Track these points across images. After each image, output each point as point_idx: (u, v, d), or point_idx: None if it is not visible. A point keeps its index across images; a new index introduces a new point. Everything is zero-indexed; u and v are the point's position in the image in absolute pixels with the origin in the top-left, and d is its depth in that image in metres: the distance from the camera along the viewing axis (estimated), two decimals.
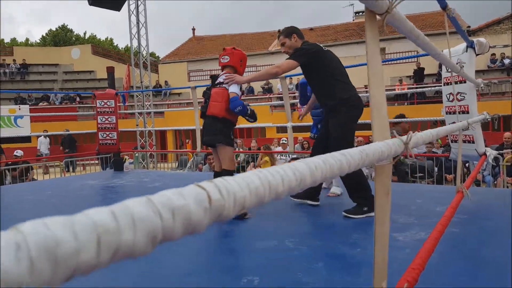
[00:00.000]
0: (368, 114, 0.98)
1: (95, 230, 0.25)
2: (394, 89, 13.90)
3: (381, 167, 0.91)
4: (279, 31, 25.57)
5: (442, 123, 3.96)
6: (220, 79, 3.17)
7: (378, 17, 1.00)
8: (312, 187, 3.09)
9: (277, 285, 1.83)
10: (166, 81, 21.57)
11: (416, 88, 12.52)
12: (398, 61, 17.19)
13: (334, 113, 3.02)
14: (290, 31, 3.18)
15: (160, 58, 26.31)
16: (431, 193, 3.77)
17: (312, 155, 3.31)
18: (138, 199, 0.30)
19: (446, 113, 3.66)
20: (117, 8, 9.05)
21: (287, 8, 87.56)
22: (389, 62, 17.15)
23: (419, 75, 15.90)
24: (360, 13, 25.59)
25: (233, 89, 3.07)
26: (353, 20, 26.29)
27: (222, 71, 3.26)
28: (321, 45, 3.14)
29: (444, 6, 2.36)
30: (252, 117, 3.13)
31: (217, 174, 3.22)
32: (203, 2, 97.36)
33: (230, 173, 3.08)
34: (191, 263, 2.24)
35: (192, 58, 24.13)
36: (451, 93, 3.56)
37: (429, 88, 6.91)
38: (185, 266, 2.17)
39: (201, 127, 3.36)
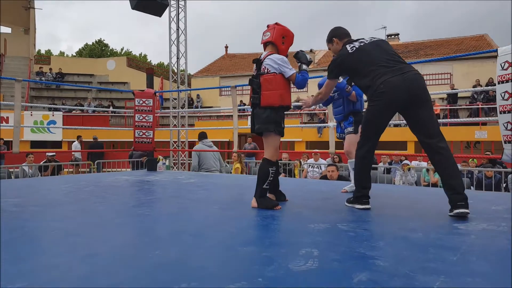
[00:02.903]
0: None
1: None
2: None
3: None
4: (311, 50, 25.54)
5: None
6: (264, 64, 2.95)
7: None
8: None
9: (338, 257, 1.69)
10: (198, 95, 21.87)
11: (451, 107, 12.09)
12: (431, 83, 16.90)
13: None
14: (330, 36, 3.11)
15: (192, 74, 26.73)
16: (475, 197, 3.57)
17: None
18: None
19: (500, 113, 3.54)
20: (159, 13, 9.21)
21: (320, 30, 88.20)
22: None
23: (453, 97, 15.57)
24: (392, 36, 25.40)
25: (290, 71, 2.92)
26: None
27: (264, 50, 3.07)
28: (353, 44, 2.91)
29: None
30: (307, 63, 3.05)
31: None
32: (236, 23, 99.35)
33: (271, 163, 2.92)
34: (244, 236, 2.13)
35: (224, 74, 24.37)
36: (506, 91, 3.46)
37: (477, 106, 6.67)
38: (238, 238, 2.07)
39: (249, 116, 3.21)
